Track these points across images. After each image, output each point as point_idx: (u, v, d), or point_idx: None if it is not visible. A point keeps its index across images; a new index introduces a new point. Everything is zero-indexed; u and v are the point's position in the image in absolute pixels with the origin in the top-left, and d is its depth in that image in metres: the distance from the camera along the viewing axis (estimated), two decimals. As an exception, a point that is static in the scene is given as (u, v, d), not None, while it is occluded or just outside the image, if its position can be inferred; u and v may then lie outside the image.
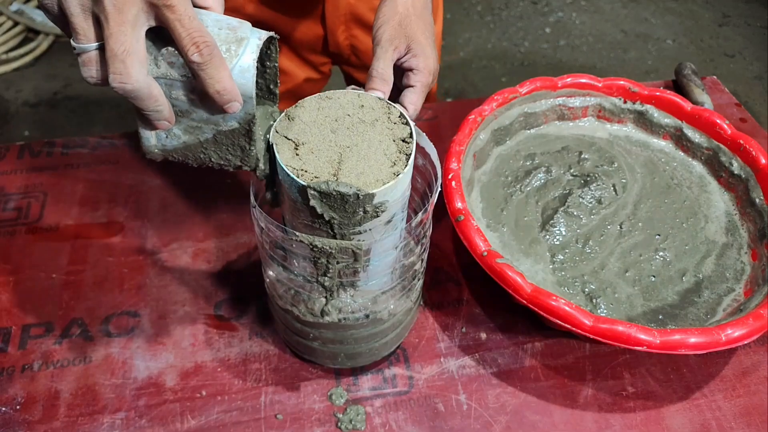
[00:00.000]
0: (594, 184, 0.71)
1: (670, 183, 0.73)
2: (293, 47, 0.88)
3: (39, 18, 2.28)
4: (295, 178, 0.43)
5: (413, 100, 0.55)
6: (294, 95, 0.93)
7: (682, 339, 0.53)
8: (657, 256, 0.66)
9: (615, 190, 0.71)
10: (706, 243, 0.68)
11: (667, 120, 0.77)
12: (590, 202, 0.70)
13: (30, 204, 0.76)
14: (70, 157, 0.82)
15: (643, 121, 0.78)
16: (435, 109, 0.91)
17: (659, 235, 0.68)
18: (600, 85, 0.78)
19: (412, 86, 0.56)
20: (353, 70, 0.95)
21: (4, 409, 0.58)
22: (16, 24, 2.27)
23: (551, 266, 0.65)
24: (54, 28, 2.27)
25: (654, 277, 0.64)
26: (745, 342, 0.54)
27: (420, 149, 0.51)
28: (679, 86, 0.94)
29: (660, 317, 0.61)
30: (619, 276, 0.64)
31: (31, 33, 2.30)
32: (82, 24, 0.39)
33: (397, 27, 0.56)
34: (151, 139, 0.45)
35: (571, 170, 0.73)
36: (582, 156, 0.75)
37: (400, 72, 0.57)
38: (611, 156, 0.75)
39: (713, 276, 0.65)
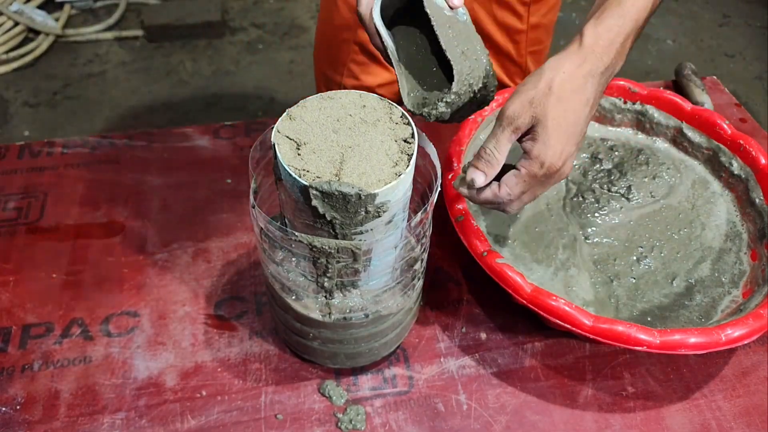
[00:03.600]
0: (588, 191, 0.71)
1: (672, 189, 0.73)
2: None
3: (39, 18, 2.28)
4: (297, 178, 0.43)
5: (509, 183, 0.51)
6: None
7: (682, 339, 0.53)
8: (647, 263, 0.66)
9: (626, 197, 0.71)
10: (701, 249, 0.68)
11: (667, 120, 0.77)
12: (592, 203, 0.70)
13: (30, 204, 0.76)
14: (70, 157, 0.82)
15: (643, 121, 0.78)
16: (435, 109, 0.91)
17: (646, 244, 0.68)
18: (600, 85, 0.78)
19: (516, 169, 0.51)
20: None
21: (4, 409, 0.58)
22: (16, 24, 2.27)
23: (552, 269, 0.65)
24: (54, 28, 2.27)
25: (636, 279, 0.65)
26: (745, 342, 0.54)
27: (420, 149, 0.51)
28: (679, 86, 0.94)
29: (648, 319, 0.61)
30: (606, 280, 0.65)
31: (31, 33, 2.30)
32: None
33: (526, 104, 0.50)
34: None
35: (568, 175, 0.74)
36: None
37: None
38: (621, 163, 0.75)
39: (707, 280, 0.65)
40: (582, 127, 0.51)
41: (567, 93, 0.50)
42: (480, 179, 0.51)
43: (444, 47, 0.49)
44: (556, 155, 0.50)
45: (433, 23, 0.49)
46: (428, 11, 0.50)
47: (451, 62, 0.49)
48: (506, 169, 0.53)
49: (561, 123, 0.50)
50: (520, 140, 0.51)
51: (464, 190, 0.54)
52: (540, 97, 0.49)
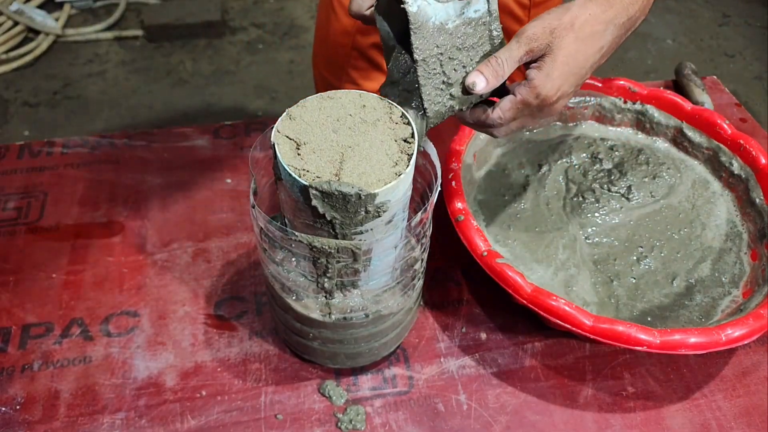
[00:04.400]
0: (589, 192, 0.71)
1: (671, 189, 0.73)
2: None
3: (39, 18, 2.28)
4: (297, 177, 0.43)
5: (503, 106, 0.52)
6: None
7: (682, 339, 0.53)
8: (647, 263, 0.66)
9: (626, 197, 0.71)
10: (701, 249, 0.68)
11: (667, 120, 0.77)
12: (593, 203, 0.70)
13: (30, 204, 0.76)
14: (70, 157, 0.82)
15: (643, 121, 0.78)
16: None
17: (646, 244, 0.68)
18: (600, 85, 0.78)
19: (512, 95, 0.52)
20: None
21: (4, 409, 0.58)
22: (16, 24, 2.27)
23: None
24: (54, 27, 2.27)
25: (636, 279, 0.65)
26: (745, 342, 0.54)
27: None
28: (679, 86, 0.94)
29: (648, 319, 0.61)
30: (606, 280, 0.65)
31: (31, 33, 2.30)
32: None
33: (547, 31, 0.50)
34: None
35: (568, 175, 0.73)
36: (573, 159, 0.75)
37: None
38: (621, 163, 0.75)
39: (707, 280, 0.65)
40: (587, 72, 0.53)
41: (585, 34, 0.51)
42: (481, 83, 0.50)
43: (420, 87, 0.49)
44: (553, 89, 0.51)
45: (414, 52, 0.47)
46: (412, 36, 0.47)
47: (425, 105, 0.49)
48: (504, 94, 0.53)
49: (569, 61, 0.51)
50: (526, 66, 0.52)
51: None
52: (561, 30, 0.50)
